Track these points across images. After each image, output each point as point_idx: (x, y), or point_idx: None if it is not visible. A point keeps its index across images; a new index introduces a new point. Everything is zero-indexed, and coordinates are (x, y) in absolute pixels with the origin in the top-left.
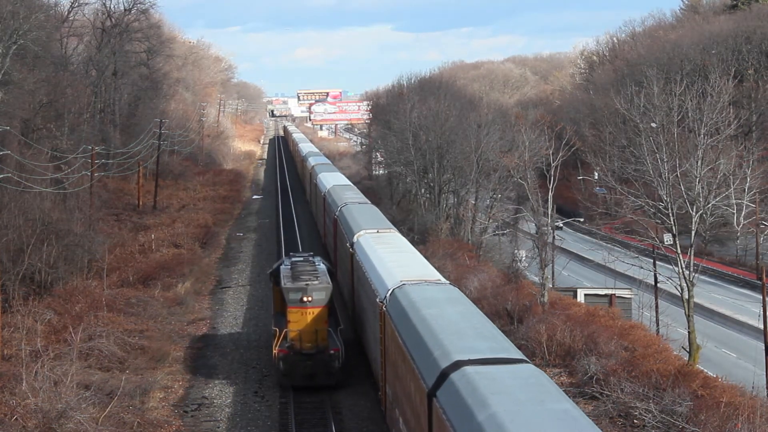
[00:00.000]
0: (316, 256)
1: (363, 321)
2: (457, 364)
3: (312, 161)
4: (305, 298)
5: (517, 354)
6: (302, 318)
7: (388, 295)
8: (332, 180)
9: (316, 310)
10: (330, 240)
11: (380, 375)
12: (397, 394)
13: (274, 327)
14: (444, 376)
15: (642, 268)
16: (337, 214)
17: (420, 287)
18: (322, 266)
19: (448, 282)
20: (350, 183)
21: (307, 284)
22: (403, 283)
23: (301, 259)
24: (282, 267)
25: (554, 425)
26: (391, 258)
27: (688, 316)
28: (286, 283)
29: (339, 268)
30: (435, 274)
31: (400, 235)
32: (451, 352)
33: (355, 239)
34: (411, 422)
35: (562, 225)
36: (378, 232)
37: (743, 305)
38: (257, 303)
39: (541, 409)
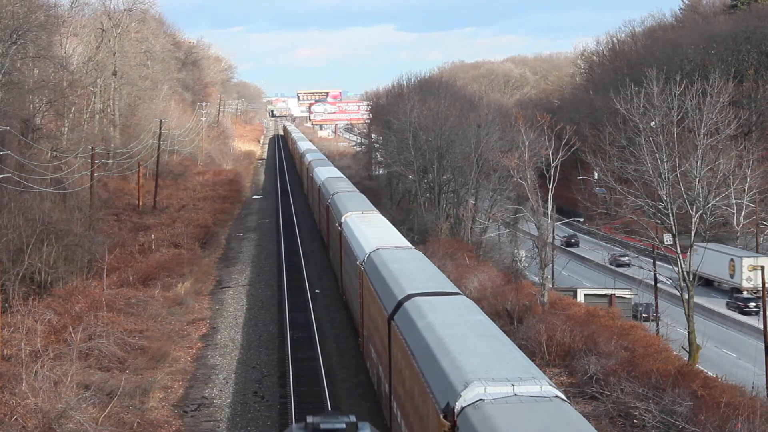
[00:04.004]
0: (363, 424)
1: (348, 285)
2: (409, 296)
3: (309, 157)
4: None
5: (455, 290)
6: None
7: (365, 257)
8: (326, 173)
9: None
10: (324, 225)
11: (360, 322)
12: (370, 330)
13: None
14: (399, 304)
15: (642, 268)
16: (329, 201)
17: (391, 251)
18: None
19: (413, 247)
20: (342, 175)
21: None
22: (377, 248)
23: None
24: None
25: (468, 327)
26: (371, 232)
27: (688, 316)
28: None
29: (330, 248)
30: (405, 243)
31: (380, 215)
32: (406, 289)
33: (343, 219)
34: (378, 345)
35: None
36: (362, 213)
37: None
38: (257, 303)
39: (462, 319)
